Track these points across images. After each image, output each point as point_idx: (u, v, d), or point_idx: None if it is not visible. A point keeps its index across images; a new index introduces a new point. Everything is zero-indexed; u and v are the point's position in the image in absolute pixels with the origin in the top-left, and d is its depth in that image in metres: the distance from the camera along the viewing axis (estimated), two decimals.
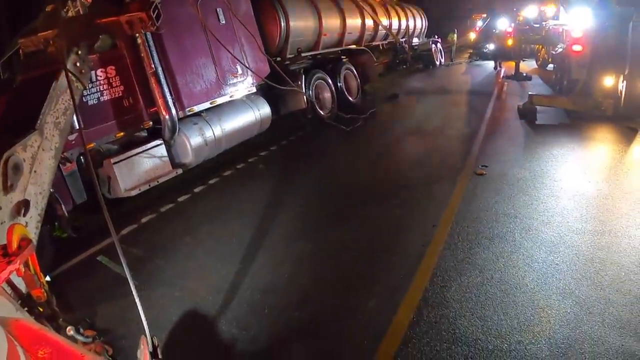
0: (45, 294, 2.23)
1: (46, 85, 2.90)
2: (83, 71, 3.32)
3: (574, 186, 6.24)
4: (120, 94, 6.32)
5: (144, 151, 6.56)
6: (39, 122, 2.79)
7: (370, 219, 5.80)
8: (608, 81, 9.19)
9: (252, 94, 9.05)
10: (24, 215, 2.53)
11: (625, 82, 8.84)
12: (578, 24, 10.70)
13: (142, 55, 6.41)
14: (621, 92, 8.96)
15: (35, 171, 2.73)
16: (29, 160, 2.68)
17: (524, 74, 16.38)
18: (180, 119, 7.07)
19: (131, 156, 6.37)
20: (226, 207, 6.63)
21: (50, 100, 2.91)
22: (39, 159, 2.79)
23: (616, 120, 8.95)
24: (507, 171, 6.95)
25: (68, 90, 3.00)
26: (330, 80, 11.79)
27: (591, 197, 5.89)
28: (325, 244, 5.24)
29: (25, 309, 2.07)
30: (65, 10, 3.76)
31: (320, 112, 11.00)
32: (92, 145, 5.97)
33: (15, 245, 1.93)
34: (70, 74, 2.99)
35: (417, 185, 6.82)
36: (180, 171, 7.15)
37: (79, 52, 3.22)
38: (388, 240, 5.21)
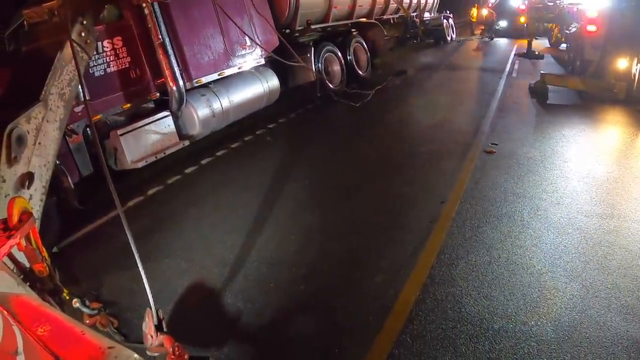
0: (47, 269, 2.21)
1: (51, 56, 2.84)
2: (88, 41, 3.26)
3: (584, 168, 6.17)
4: (127, 65, 6.23)
5: (150, 122, 6.50)
6: (43, 93, 2.75)
7: (378, 194, 5.77)
8: (622, 63, 9.04)
9: (261, 65, 8.91)
10: (28, 187, 2.51)
11: (639, 65, 8.66)
12: (593, 3, 10.45)
13: (149, 25, 6.30)
14: (634, 75, 8.81)
15: (39, 143, 2.70)
16: (33, 132, 2.65)
17: (537, 53, 16.08)
18: (187, 90, 6.99)
19: (138, 128, 6.32)
20: (233, 179, 6.61)
21: (55, 71, 2.86)
22: (44, 130, 2.76)
23: (628, 103, 8.81)
24: (517, 150, 6.87)
25: (73, 61, 2.95)
26: (339, 54, 11.58)
27: (601, 180, 5.82)
28: (332, 218, 5.23)
29: (28, 283, 2.05)
30: None
31: (330, 85, 10.82)
32: (98, 117, 5.92)
33: (15, 219, 1.90)
34: (75, 45, 2.93)
35: (425, 161, 6.76)
36: (187, 143, 7.10)
37: (84, 22, 3.16)
38: (396, 215, 5.19)
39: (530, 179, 5.85)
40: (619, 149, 7.16)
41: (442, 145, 7.37)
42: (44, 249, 2.21)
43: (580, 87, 9.76)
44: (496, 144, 7.11)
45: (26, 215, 1.96)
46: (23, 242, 2.01)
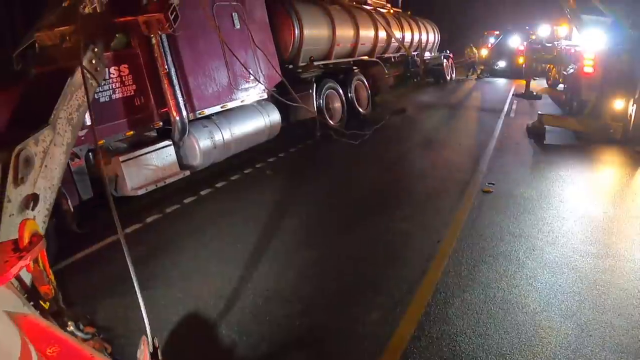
0: (52, 291, 2.23)
1: (61, 81, 2.92)
2: (98, 69, 3.35)
3: (580, 208, 6.23)
4: (132, 93, 6.36)
5: (152, 151, 6.59)
6: (52, 117, 2.81)
7: (375, 231, 5.79)
8: (618, 104, 9.19)
9: (263, 100, 9.07)
10: (33, 209, 2.54)
11: (635, 106, 8.83)
12: (590, 45, 10.69)
13: (156, 55, 6.45)
14: (631, 115, 8.95)
15: (46, 165, 2.75)
16: (40, 155, 2.70)
17: (534, 93, 16.39)
18: (190, 121, 7.10)
19: (140, 155, 6.40)
20: (232, 211, 6.64)
21: (65, 96, 2.93)
22: (50, 153, 2.81)
23: (624, 143, 8.94)
24: (513, 190, 6.93)
25: (82, 87, 3.03)
26: (341, 90, 11.79)
27: (597, 220, 5.87)
28: (329, 254, 5.23)
29: (32, 303, 2.07)
30: (82, 6, 3.80)
31: (330, 121, 10.94)
32: (101, 142, 6.00)
33: (26, 240, 1.93)
34: (85, 71, 3.02)
35: (423, 199, 6.82)
36: (187, 173, 7.16)
37: (95, 49, 3.25)
38: (392, 252, 5.20)
39: (526, 219, 5.89)
40: (615, 189, 7.24)
41: (440, 184, 7.45)
42: (50, 271, 2.23)
43: (577, 127, 9.91)
44: (493, 184, 7.18)
45: (36, 237, 1.99)
46: (31, 264, 2.03)
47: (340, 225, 6.00)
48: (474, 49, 25.34)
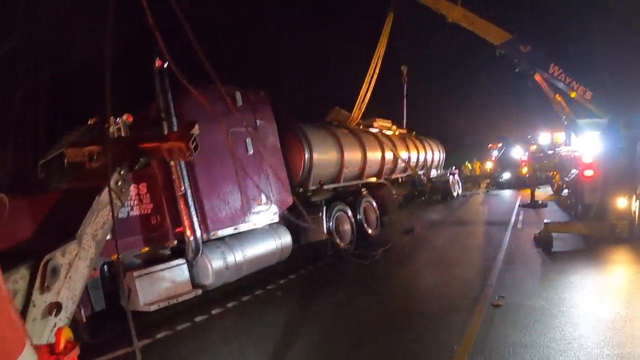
0: None
1: (89, 198, 3.23)
2: (123, 190, 3.68)
3: (592, 311, 6.21)
4: (149, 211, 6.74)
5: (166, 269, 6.80)
6: (79, 231, 3.10)
7: (386, 350, 5.74)
8: (621, 202, 9.32)
9: (275, 222, 9.32)
10: (56, 315, 2.73)
11: (638, 201, 8.94)
12: (588, 149, 11.07)
13: (174, 177, 6.90)
14: (634, 212, 9.04)
15: (70, 277, 2.97)
16: (65, 266, 2.94)
17: (540, 202, 16.60)
18: (204, 242, 7.37)
19: (153, 272, 6.61)
20: (242, 332, 6.64)
21: (92, 214, 3.24)
22: (75, 266, 3.05)
23: (632, 241, 8.96)
24: (524, 301, 6.90)
25: (108, 206, 3.35)
26: (350, 213, 11.93)
27: (609, 321, 5.82)
28: None
29: None
30: (107, 125, 4.21)
31: (340, 243, 11.01)
32: (115, 256, 6.25)
33: (62, 346, 2.10)
34: (112, 192, 3.36)
35: (434, 318, 6.77)
36: (200, 292, 7.29)
37: (122, 171, 3.61)
38: None
39: (537, 329, 5.82)
40: (625, 288, 7.21)
41: (450, 301, 7.41)
42: None
43: (584, 231, 9.97)
44: (503, 297, 7.14)
45: (71, 344, 2.16)
46: None
47: (351, 345, 5.95)
48: (469, 165, 26.17)
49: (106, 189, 3.26)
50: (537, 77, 15.20)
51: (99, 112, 4.66)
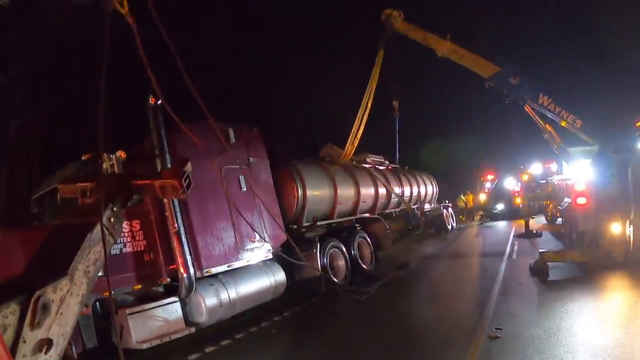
0: None
1: (82, 234, 3.23)
2: (116, 227, 3.68)
3: (590, 339, 6.19)
4: (142, 248, 6.72)
5: (159, 306, 6.74)
6: (71, 267, 3.09)
7: None
8: (615, 228, 9.36)
9: (269, 259, 9.27)
10: (46, 352, 2.69)
11: (632, 226, 8.98)
12: (580, 177, 11.16)
13: (167, 214, 6.91)
14: (629, 237, 9.07)
15: (61, 313, 2.95)
16: (57, 302, 2.92)
17: (534, 231, 16.66)
18: (197, 279, 7.30)
19: (146, 309, 6.55)
20: None
21: (84, 250, 3.23)
22: (66, 302, 3.02)
23: (628, 266, 8.96)
24: (521, 332, 6.85)
25: (100, 243, 3.35)
26: (344, 249, 11.84)
27: (608, 347, 5.81)
28: None
29: None
30: (100, 161, 4.22)
31: (334, 279, 10.88)
32: (108, 293, 6.18)
33: None
34: (104, 228, 3.36)
35: (430, 353, 6.71)
36: (193, 329, 7.19)
37: (114, 208, 3.63)
38: None
39: (536, 359, 5.77)
40: (623, 314, 7.20)
41: (446, 335, 7.34)
42: None
43: (579, 259, 10.00)
44: (500, 328, 7.08)
45: None
46: None
47: None
48: (463, 198, 26.32)
49: (98, 226, 3.26)
50: (527, 108, 15.49)
51: (93, 148, 4.72)
